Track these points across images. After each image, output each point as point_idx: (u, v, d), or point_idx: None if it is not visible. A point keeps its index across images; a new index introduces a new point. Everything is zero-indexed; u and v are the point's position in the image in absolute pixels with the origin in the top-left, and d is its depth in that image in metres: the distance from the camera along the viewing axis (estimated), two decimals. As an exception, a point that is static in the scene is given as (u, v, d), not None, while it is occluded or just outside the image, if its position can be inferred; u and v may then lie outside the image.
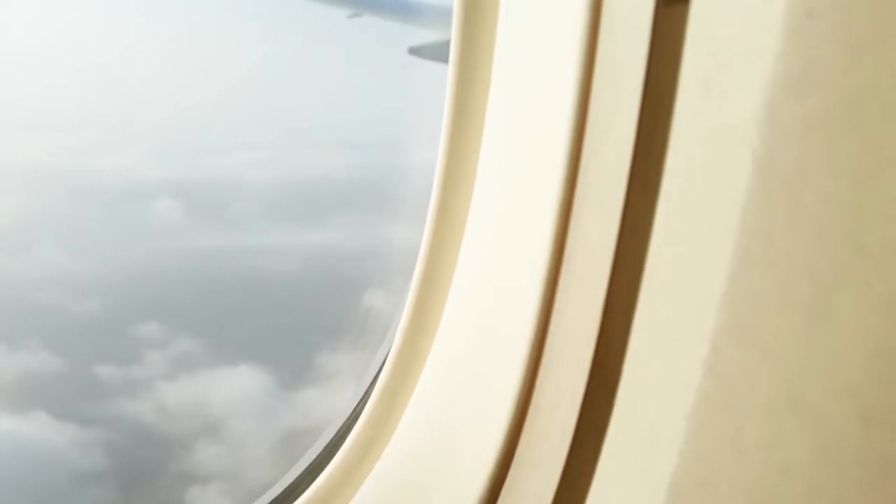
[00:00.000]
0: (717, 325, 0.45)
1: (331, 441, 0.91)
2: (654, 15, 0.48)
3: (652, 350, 0.51)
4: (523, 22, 0.67)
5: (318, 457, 0.91)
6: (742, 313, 0.44)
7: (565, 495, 0.61)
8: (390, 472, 0.80)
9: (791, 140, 0.40)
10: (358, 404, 0.91)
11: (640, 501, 0.53)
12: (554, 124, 0.54)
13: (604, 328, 0.54)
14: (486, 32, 0.72)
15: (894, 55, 0.37)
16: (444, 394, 0.77)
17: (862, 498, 0.41)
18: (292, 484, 0.92)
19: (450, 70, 0.75)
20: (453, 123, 0.76)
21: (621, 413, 0.54)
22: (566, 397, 0.61)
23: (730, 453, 0.46)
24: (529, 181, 0.61)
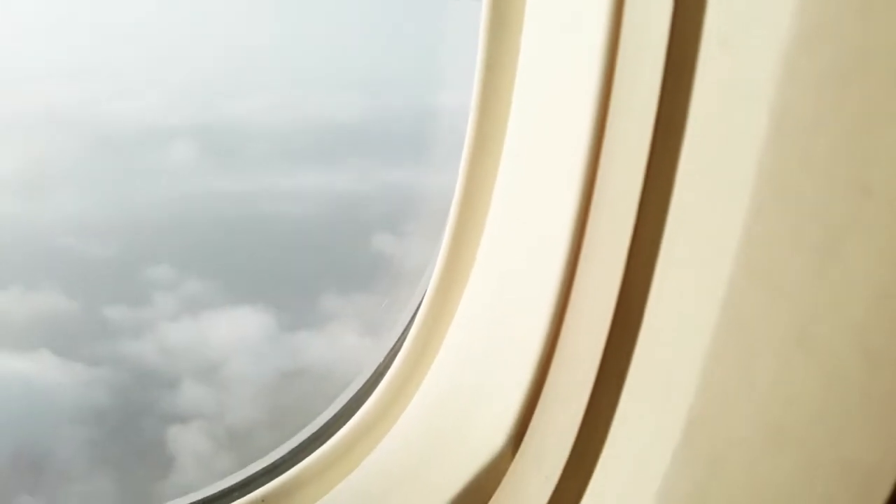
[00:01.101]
0: (735, 267, 0.48)
1: (369, 379, 0.96)
2: None
3: (672, 291, 0.54)
4: None
5: (356, 393, 0.96)
6: (757, 256, 0.47)
7: (589, 429, 0.65)
8: (426, 408, 0.85)
9: (805, 93, 0.42)
10: (396, 343, 0.96)
11: (659, 433, 0.57)
12: (583, 77, 0.57)
13: (628, 271, 0.58)
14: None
15: (906, 9, 0.38)
16: (477, 335, 0.81)
17: (865, 429, 0.45)
18: (332, 418, 0.98)
19: (483, 14, 0.76)
20: (486, 69, 0.78)
21: (642, 351, 0.58)
22: (591, 336, 0.64)
23: (742, 387, 0.50)
24: (560, 131, 0.63)
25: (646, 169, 0.53)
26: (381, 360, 0.95)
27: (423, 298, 0.89)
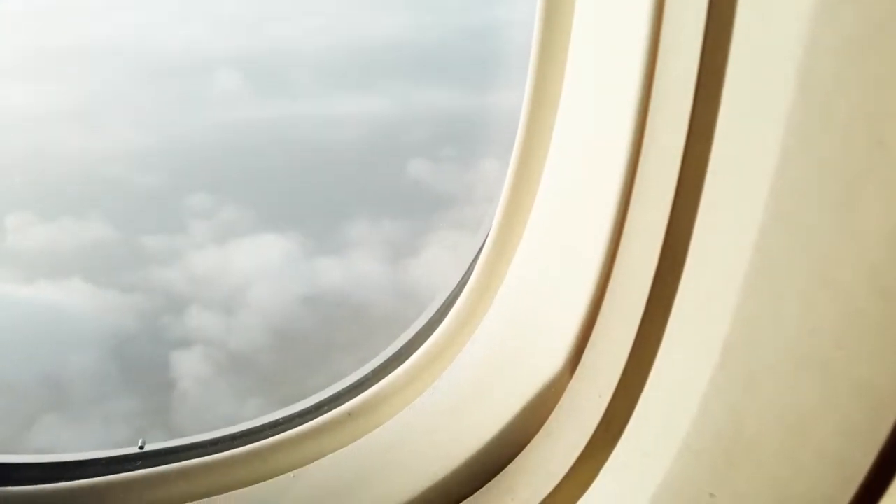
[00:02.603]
0: (765, 213, 0.53)
1: (443, 304, 1.05)
2: None
3: (712, 234, 0.60)
4: None
5: (431, 318, 1.05)
6: (785, 203, 0.52)
7: (638, 353, 0.72)
8: (493, 332, 0.93)
9: (828, 56, 0.46)
10: (463, 276, 1.03)
11: (699, 358, 0.63)
12: (631, 41, 0.61)
13: (674, 212, 0.63)
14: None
15: (923, -19, 0.42)
16: (538, 266, 0.88)
17: (878, 357, 0.50)
18: (410, 340, 1.08)
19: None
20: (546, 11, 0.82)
21: (685, 285, 0.64)
22: (640, 270, 0.70)
23: (771, 320, 0.55)
24: (612, 91, 0.68)
25: (689, 120, 0.58)
26: (452, 288, 1.03)
27: (489, 231, 0.96)
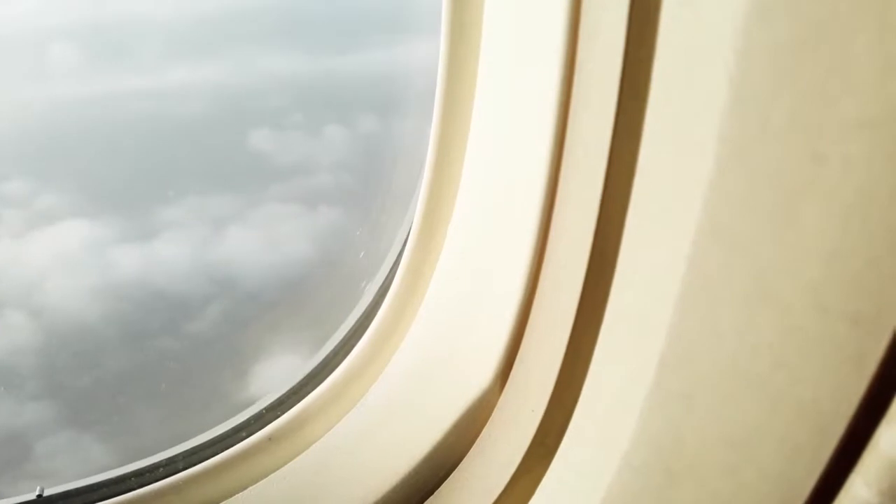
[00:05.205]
0: (699, 226, 0.50)
1: (360, 318, 1.00)
2: None
3: (642, 245, 0.56)
4: None
5: (349, 332, 1.00)
6: (719, 215, 0.49)
7: (570, 367, 0.69)
8: (417, 347, 0.88)
9: (762, 63, 0.42)
10: (383, 283, 0.98)
11: (634, 374, 0.60)
12: (549, 32, 0.56)
13: (600, 223, 0.59)
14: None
15: (858, -19, 0.39)
16: (462, 277, 0.84)
17: (820, 375, 0.48)
18: (328, 355, 1.02)
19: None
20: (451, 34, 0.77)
21: (616, 299, 0.60)
22: (569, 279, 0.67)
23: (708, 336, 0.53)
24: (529, 90, 0.64)
25: (613, 128, 0.54)
26: (371, 300, 0.98)
27: (405, 240, 0.91)
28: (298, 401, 0.96)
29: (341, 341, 0.99)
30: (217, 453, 0.96)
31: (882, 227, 0.41)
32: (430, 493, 0.83)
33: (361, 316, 1.00)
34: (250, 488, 0.90)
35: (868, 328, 0.44)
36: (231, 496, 0.91)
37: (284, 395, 1.00)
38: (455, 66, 0.75)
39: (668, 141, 0.51)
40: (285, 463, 0.91)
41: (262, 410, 1.00)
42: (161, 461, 1.00)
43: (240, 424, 1.00)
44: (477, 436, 0.81)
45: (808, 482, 0.50)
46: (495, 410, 0.79)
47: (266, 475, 0.91)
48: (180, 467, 0.96)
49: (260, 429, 0.96)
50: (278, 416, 0.96)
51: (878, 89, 0.39)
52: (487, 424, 0.80)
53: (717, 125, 0.46)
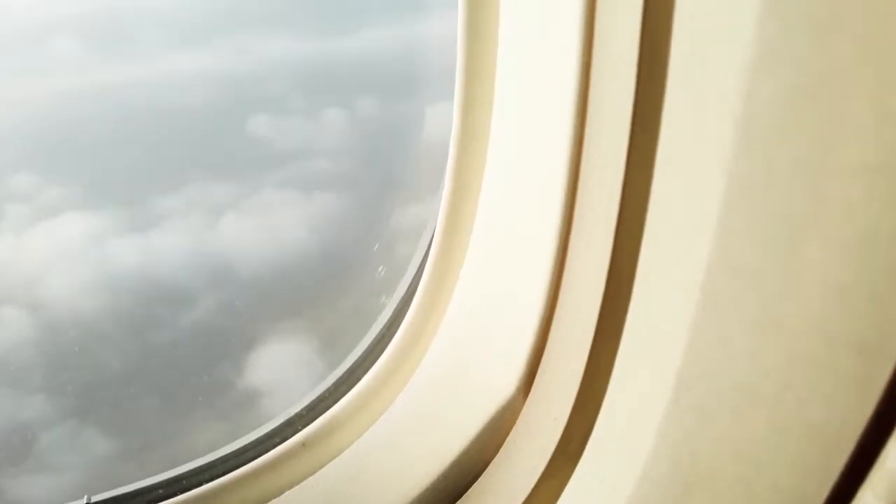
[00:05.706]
0: (710, 256, 0.53)
1: (385, 325, 1.03)
2: None
3: (657, 271, 0.59)
4: None
5: (374, 340, 1.03)
6: (730, 248, 0.51)
7: (592, 378, 0.72)
8: (442, 356, 0.92)
9: (767, 110, 0.45)
10: (407, 291, 1.01)
11: (652, 388, 0.63)
12: (561, 84, 0.59)
13: (616, 252, 0.62)
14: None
15: (856, 36, 0.41)
16: (484, 288, 0.87)
17: (828, 403, 0.50)
18: (356, 361, 1.05)
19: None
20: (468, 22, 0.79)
21: (634, 320, 0.63)
22: (589, 294, 0.69)
23: (722, 358, 0.55)
24: (545, 122, 0.66)
25: (625, 166, 0.56)
26: (395, 308, 1.01)
27: (427, 249, 0.94)
28: (327, 408, 1.00)
29: (366, 350, 1.02)
30: (252, 459, 1.01)
31: (883, 264, 0.43)
32: (458, 496, 0.87)
33: (386, 324, 1.04)
34: (286, 493, 0.94)
35: (873, 357, 0.46)
36: (266, 501, 0.95)
37: (314, 401, 1.04)
38: (472, 72, 0.77)
39: (681, 173, 0.54)
40: (317, 469, 0.95)
41: (293, 416, 1.03)
42: (197, 468, 1.04)
43: (273, 430, 1.03)
44: (502, 443, 0.84)
45: (820, 495, 0.52)
46: (519, 418, 0.82)
47: (299, 481, 0.95)
48: (218, 473, 1.00)
49: (292, 435, 1.00)
50: (309, 423, 1.00)
51: (875, 137, 0.41)
52: (512, 431, 0.83)
53: (725, 167, 0.48)
